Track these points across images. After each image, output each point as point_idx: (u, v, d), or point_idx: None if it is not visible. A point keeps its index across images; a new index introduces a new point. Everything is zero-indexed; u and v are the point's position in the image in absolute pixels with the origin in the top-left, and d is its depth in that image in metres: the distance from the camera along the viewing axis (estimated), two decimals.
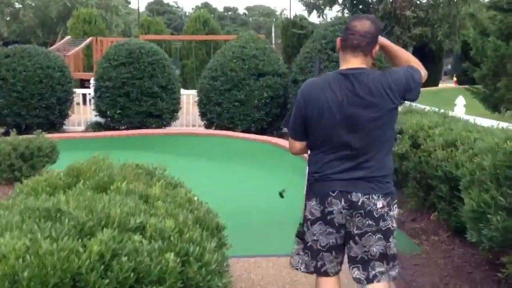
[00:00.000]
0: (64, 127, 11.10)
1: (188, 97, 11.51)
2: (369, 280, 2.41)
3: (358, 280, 2.45)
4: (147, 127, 10.18)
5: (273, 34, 36.58)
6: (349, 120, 2.31)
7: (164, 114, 10.37)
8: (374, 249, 2.39)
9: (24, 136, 6.71)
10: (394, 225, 2.43)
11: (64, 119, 10.86)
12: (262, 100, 9.89)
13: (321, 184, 2.40)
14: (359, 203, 2.34)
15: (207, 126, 10.64)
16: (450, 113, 6.58)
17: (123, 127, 10.24)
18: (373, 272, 2.41)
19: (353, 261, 2.44)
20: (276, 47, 30.53)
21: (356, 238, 2.39)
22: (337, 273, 2.53)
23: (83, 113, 11.60)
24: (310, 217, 2.45)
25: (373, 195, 2.34)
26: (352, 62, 2.36)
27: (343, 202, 2.35)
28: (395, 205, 2.44)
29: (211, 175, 7.44)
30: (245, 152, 8.67)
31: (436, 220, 4.68)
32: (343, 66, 2.39)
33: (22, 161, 6.24)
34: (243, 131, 9.86)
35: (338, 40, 2.44)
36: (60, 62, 10.48)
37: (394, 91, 2.32)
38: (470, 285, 3.49)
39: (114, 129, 10.33)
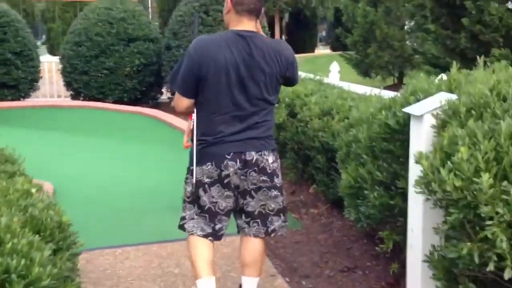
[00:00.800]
0: None
1: (50, 65, 10.36)
2: (268, 234, 2.55)
3: (257, 234, 2.54)
4: (1, 100, 8.97)
5: None
6: (243, 81, 2.34)
7: (21, 84, 9.21)
8: (272, 205, 2.51)
9: None
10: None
11: None
12: (133, 68, 9.17)
13: (216, 147, 2.40)
14: (253, 161, 2.41)
15: (74, 97, 9.67)
16: (325, 80, 6.52)
17: None
18: (272, 227, 2.54)
19: (251, 215, 2.51)
20: (152, 11, 29.19)
21: (252, 192, 2.46)
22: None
23: None
24: (206, 180, 2.43)
25: (264, 152, 2.44)
26: (247, 24, 2.39)
27: (238, 163, 2.39)
28: (279, 160, 2.58)
29: (75, 153, 6.69)
30: (116, 126, 7.98)
31: (315, 192, 4.55)
32: (236, 28, 2.39)
33: None
34: (115, 102, 9.10)
35: (228, 2, 2.41)
36: None
37: (283, 61, 2.41)
38: (349, 261, 3.36)
39: None
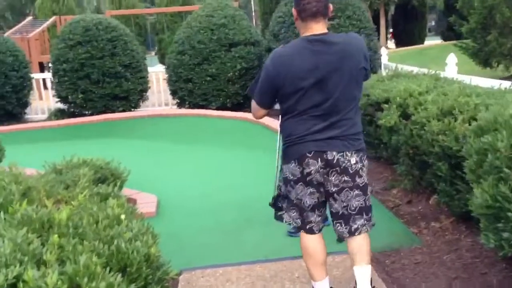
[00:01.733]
0: (26, 116, 10.23)
1: (157, 75, 10.64)
2: (352, 233, 2.59)
3: (341, 234, 2.62)
4: (113, 111, 9.34)
5: (252, 2, 35.35)
6: (321, 82, 2.39)
7: (131, 95, 9.52)
8: (354, 204, 2.55)
9: None
10: (367, 178, 2.59)
11: (24, 108, 9.99)
12: (235, 73, 9.06)
13: (297, 146, 2.47)
14: (334, 161, 2.46)
15: (180, 105, 9.82)
16: (442, 74, 5.84)
17: (87, 113, 9.38)
18: (355, 226, 2.58)
19: (335, 216, 2.61)
20: (256, 15, 29.39)
21: (335, 195, 2.53)
22: (320, 230, 2.69)
23: (46, 99, 10.72)
24: (291, 177, 2.55)
25: (347, 152, 2.47)
26: (315, 28, 2.44)
27: (319, 162, 2.45)
28: (366, 160, 2.58)
29: (180, 162, 6.69)
30: (220, 133, 7.90)
31: (436, 203, 3.99)
32: (306, 34, 2.45)
33: None
34: (218, 108, 9.06)
35: (294, 11, 2.50)
36: (11, 46, 9.53)
37: (357, 54, 2.45)
38: None
39: (78, 115, 9.48)
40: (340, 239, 2.72)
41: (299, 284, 3.07)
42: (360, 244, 2.62)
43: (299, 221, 2.64)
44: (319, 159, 2.44)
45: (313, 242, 2.65)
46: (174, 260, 3.66)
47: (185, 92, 9.35)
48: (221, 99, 9.15)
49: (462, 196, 3.43)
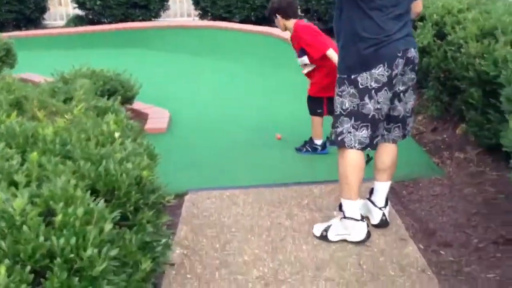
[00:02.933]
0: (44, 22, 9.95)
1: None
2: (404, 137, 2.62)
3: (396, 139, 2.60)
4: (132, 20, 8.98)
5: None
6: None
7: (151, 3, 9.08)
8: (409, 105, 2.55)
9: None
10: None
11: (42, 13, 9.67)
12: None
13: (387, 47, 2.35)
14: (412, 58, 2.44)
15: (202, 16, 9.37)
16: None
17: (106, 20, 9.05)
18: (408, 129, 2.61)
19: (394, 120, 2.54)
20: None
21: (401, 95, 2.49)
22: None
23: (65, 5, 10.36)
24: (375, 85, 2.37)
25: (416, 48, 2.50)
26: None
27: (404, 61, 2.39)
28: None
29: (197, 77, 6.44)
30: (241, 48, 7.55)
31: (463, 133, 3.71)
32: None
33: None
34: (242, 21, 8.61)
35: None
36: None
37: None
38: (507, 230, 2.61)
39: (96, 23, 9.16)
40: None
41: (307, 211, 2.92)
42: (396, 156, 2.64)
43: (367, 139, 2.44)
44: (404, 58, 2.39)
45: (362, 159, 2.52)
46: (181, 178, 3.56)
47: (208, 2, 8.86)
48: (245, 11, 8.66)
49: (493, 127, 3.14)
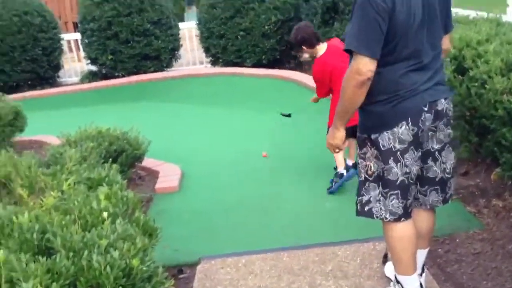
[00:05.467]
0: (59, 79, 9.98)
1: (190, 31, 10.09)
2: (445, 201, 2.24)
3: (434, 204, 2.22)
4: (145, 72, 8.93)
5: None
6: (425, 19, 1.99)
7: (162, 54, 9.04)
8: (449, 165, 2.19)
9: None
10: None
11: (56, 71, 9.71)
12: (270, 26, 8.39)
13: (410, 101, 2.01)
14: (443, 111, 2.09)
15: (214, 63, 9.29)
16: (504, 18, 5.03)
17: (119, 74, 9.02)
18: (449, 193, 2.25)
19: (430, 182, 2.18)
20: None
21: (436, 154, 2.14)
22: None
23: (78, 61, 10.43)
24: (399, 146, 2.03)
25: (448, 98, 2.13)
26: None
27: (432, 115, 2.05)
28: None
29: (208, 127, 6.24)
30: (253, 93, 7.36)
31: (498, 177, 3.37)
32: None
33: None
34: (254, 66, 8.48)
35: None
36: (38, 6, 9.17)
37: None
38: None
39: (110, 77, 9.14)
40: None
41: (332, 279, 2.60)
42: (433, 222, 2.31)
43: (399, 209, 2.09)
44: (432, 112, 2.04)
45: (411, 228, 2.15)
46: (193, 244, 3.30)
47: (218, 49, 8.79)
48: (256, 55, 8.54)
49: None
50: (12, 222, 1.66)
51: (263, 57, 8.53)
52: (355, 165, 3.92)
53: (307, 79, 7.23)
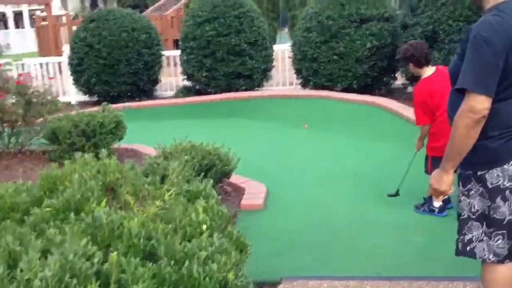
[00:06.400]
0: (156, 92, 10.56)
1: (283, 53, 10.29)
2: None
3: None
4: (236, 90, 9.22)
5: None
6: None
7: (255, 74, 9.30)
8: None
9: (89, 110, 6.10)
10: None
11: (154, 84, 10.28)
12: (365, 52, 8.36)
13: None
14: None
15: (304, 85, 9.39)
16: None
17: (211, 91, 9.38)
18: None
19: None
20: None
21: None
22: None
23: (174, 75, 10.98)
24: (508, 184, 1.96)
25: None
26: None
27: None
28: None
29: (295, 148, 6.29)
30: (343, 117, 7.35)
31: None
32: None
33: (84, 139, 5.62)
34: (343, 90, 8.47)
35: None
36: (146, 23, 9.81)
37: None
38: None
39: (203, 93, 9.53)
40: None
41: None
42: None
43: (505, 249, 2.02)
44: None
45: None
46: (275, 263, 3.34)
47: (310, 71, 8.88)
48: (347, 80, 8.53)
49: None
50: (123, 227, 1.80)
51: (354, 82, 8.50)
52: (442, 208, 3.81)
53: (398, 106, 7.11)
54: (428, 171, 3.91)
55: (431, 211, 3.82)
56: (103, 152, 2.51)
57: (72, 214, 1.90)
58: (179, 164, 3.63)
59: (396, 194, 4.20)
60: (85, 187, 2.13)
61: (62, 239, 1.71)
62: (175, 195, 2.36)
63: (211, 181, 2.66)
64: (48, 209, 2.03)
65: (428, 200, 3.87)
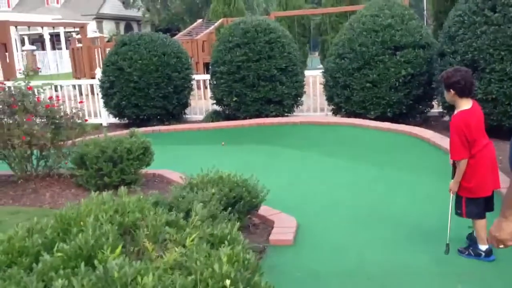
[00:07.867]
0: (185, 116, 10.49)
1: (315, 78, 10.11)
2: None
3: None
4: (266, 115, 9.06)
5: (425, 0, 33.14)
6: None
7: (285, 99, 9.12)
8: None
9: (117, 136, 6.01)
10: None
11: (184, 108, 10.22)
12: (399, 80, 8.10)
13: None
14: None
15: (335, 112, 9.17)
16: None
17: (240, 116, 9.24)
18: None
19: None
20: (427, 14, 27.40)
21: None
22: None
23: (204, 100, 10.92)
24: None
25: None
26: None
27: None
28: None
29: (326, 179, 6.04)
30: (375, 147, 7.07)
31: None
32: None
33: (111, 165, 5.51)
34: (377, 118, 8.20)
35: None
36: (176, 47, 9.80)
37: None
38: None
39: (232, 118, 9.40)
40: None
41: None
42: None
43: None
44: None
45: None
46: None
47: (342, 98, 8.66)
48: (381, 108, 8.27)
49: None
50: (136, 283, 1.62)
51: (388, 110, 8.23)
52: (490, 251, 3.52)
53: (433, 136, 6.81)
54: (462, 214, 3.60)
55: (477, 255, 3.52)
56: (122, 190, 2.33)
57: (82, 265, 1.72)
58: (204, 196, 3.45)
59: (447, 249, 3.72)
60: (100, 231, 1.96)
61: None
62: (198, 240, 2.16)
63: (237, 224, 2.45)
64: (59, 254, 1.86)
65: (473, 244, 3.58)
